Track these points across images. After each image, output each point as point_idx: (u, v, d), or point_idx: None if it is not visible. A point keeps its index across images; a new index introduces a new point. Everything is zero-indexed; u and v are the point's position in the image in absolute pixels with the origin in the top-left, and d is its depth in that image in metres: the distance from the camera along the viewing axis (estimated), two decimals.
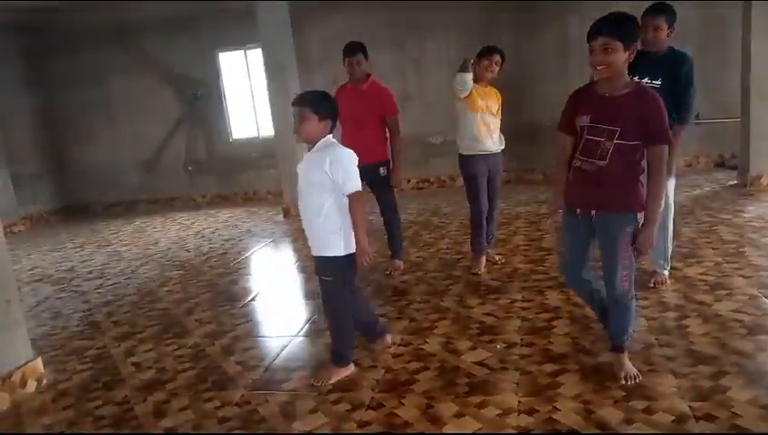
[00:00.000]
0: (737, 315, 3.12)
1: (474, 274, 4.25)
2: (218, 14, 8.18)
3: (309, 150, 2.81)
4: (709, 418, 2.25)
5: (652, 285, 3.63)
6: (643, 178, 2.43)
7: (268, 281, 4.79)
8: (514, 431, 2.31)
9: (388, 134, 4.32)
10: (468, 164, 4.20)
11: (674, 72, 3.32)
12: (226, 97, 8.82)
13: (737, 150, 6.66)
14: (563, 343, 3.00)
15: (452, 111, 4.24)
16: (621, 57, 2.31)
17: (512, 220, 5.73)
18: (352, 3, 7.86)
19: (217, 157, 9.01)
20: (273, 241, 5.99)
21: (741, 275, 3.68)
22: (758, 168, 6.19)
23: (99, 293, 4.91)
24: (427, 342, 3.22)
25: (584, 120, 2.47)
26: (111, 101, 9.12)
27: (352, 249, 2.80)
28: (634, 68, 3.42)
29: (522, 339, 3.08)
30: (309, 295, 4.24)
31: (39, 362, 3.23)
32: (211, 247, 6.12)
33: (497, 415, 2.43)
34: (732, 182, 6.48)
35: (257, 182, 8.85)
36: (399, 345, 3.21)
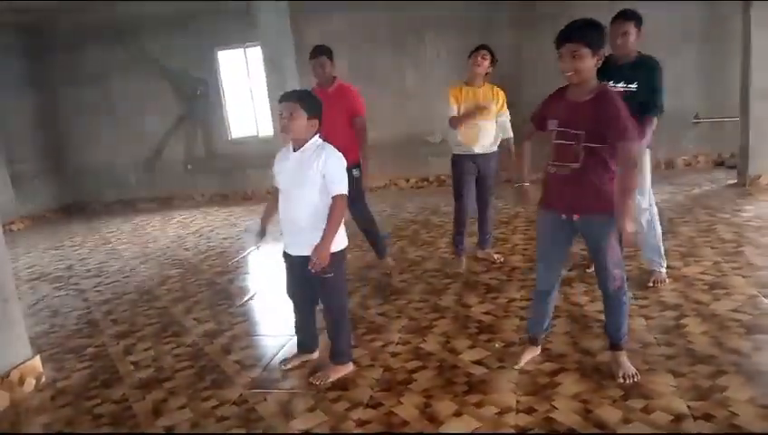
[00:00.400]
0: (736, 315, 3.12)
1: (455, 272, 4.26)
2: (218, 12, 8.17)
3: (294, 150, 2.79)
4: (707, 417, 2.26)
5: (651, 284, 3.64)
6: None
7: (266, 280, 4.78)
8: (513, 430, 2.32)
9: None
10: (455, 162, 4.28)
11: (647, 77, 3.46)
12: (226, 95, 8.81)
13: (736, 150, 6.65)
14: (562, 343, 3.01)
15: None
16: (589, 63, 2.37)
17: (511, 219, 5.73)
18: (352, 2, 7.84)
19: (216, 155, 9.00)
20: (271, 240, 5.97)
21: (739, 275, 3.68)
22: (757, 167, 6.18)
23: (97, 291, 4.91)
24: (425, 340, 3.22)
25: (553, 125, 2.53)
26: (111, 100, 9.10)
27: (345, 244, 2.85)
28: (607, 74, 3.57)
29: (520, 338, 3.07)
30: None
31: (37, 360, 3.23)
32: (210, 246, 6.12)
33: (496, 414, 2.43)
34: (731, 181, 6.48)
35: (256, 181, 8.83)
36: (398, 344, 3.21)
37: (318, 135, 2.81)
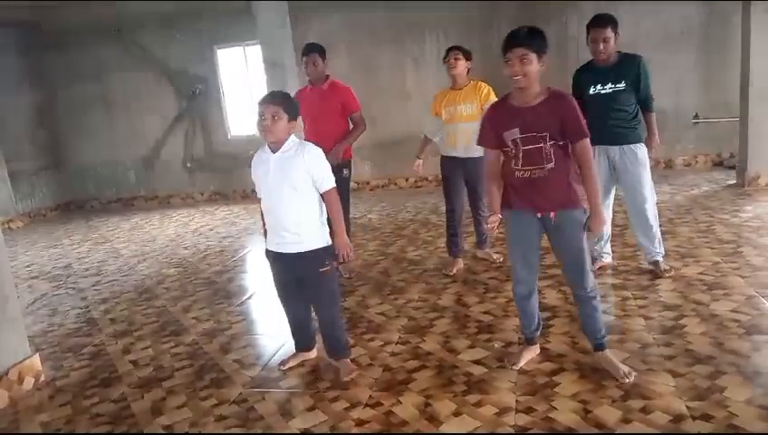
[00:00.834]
0: (735, 315, 3.12)
1: (445, 274, 4.25)
2: (217, 10, 8.16)
3: (273, 151, 2.78)
4: (706, 417, 2.26)
5: (664, 274, 3.73)
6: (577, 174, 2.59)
7: (266, 279, 4.78)
8: (512, 430, 2.32)
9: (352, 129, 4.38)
10: (441, 164, 4.31)
11: (634, 74, 3.60)
12: (225, 94, 8.80)
13: (736, 150, 6.66)
14: (561, 342, 3.01)
15: None
16: (536, 67, 2.44)
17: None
18: (352, 1, 7.84)
19: (216, 154, 8.99)
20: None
21: (738, 275, 3.68)
22: (756, 168, 6.18)
23: (96, 290, 4.91)
24: (424, 340, 3.22)
25: (515, 133, 2.54)
26: (110, 98, 9.09)
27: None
28: (592, 78, 3.68)
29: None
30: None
31: (36, 358, 3.23)
32: (209, 245, 6.12)
33: (495, 414, 2.43)
34: (730, 182, 6.48)
35: None
36: (397, 344, 3.21)
37: (294, 135, 2.82)
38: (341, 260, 2.89)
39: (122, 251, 6.28)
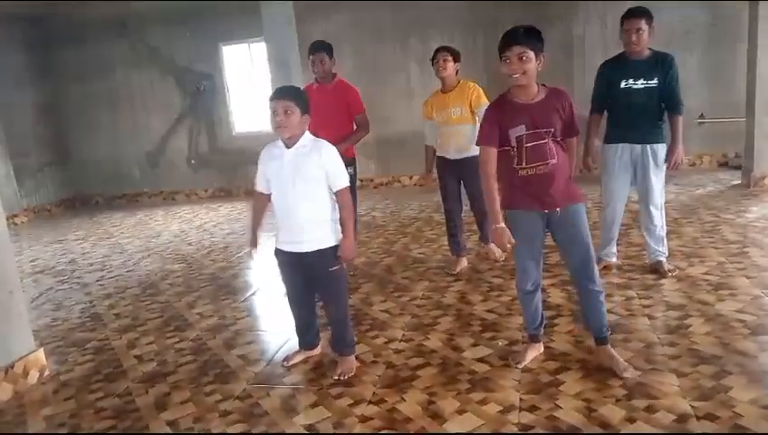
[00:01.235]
0: (740, 315, 3.11)
1: (449, 273, 4.24)
2: (222, 7, 8.16)
3: (288, 147, 2.75)
4: (711, 417, 2.25)
5: (669, 274, 3.72)
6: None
7: (270, 275, 4.79)
8: (516, 429, 2.31)
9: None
10: (437, 164, 4.30)
11: (665, 72, 3.55)
12: (230, 91, 8.81)
13: (741, 150, 6.63)
14: (565, 341, 3.00)
15: None
16: (534, 65, 2.46)
17: None
18: (357, 0, 7.83)
19: (220, 150, 9.01)
20: (274, 235, 5.97)
21: (744, 276, 3.67)
22: (762, 168, 6.16)
23: (100, 285, 4.92)
24: (428, 338, 3.22)
25: (520, 130, 2.54)
26: (115, 94, 9.11)
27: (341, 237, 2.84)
28: (623, 72, 3.60)
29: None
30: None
31: (41, 353, 3.24)
32: (213, 241, 6.13)
33: (499, 412, 2.43)
34: (735, 182, 6.46)
35: None
36: (401, 341, 3.22)
37: (308, 132, 2.81)
38: (344, 260, 2.87)
39: (127, 247, 6.29)
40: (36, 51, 8.91)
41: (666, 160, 3.65)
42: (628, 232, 4.67)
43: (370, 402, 2.61)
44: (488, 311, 3.51)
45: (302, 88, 2.93)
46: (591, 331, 2.78)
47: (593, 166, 3.80)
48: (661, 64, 3.54)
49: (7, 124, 8.21)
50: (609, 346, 2.73)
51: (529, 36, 2.46)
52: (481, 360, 2.90)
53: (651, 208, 3.72)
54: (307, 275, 2.88)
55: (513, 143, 2.55)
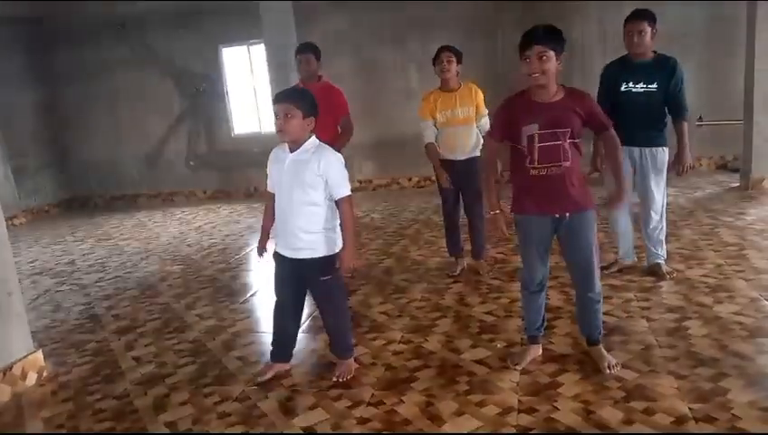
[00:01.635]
0: (738, 318, 3.12)
1: (449, 275, 4.24)
2: (221, 9, 8.17)
3: (291, 150, 2.72)
4: (709, 419, 2.26)
5: (668, 277, 3.73)
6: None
7: (268, 277, 4.79)
8: (514, 430, 2.32)
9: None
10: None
11: (667, 76, 3.53)
12: (229, 92, 8.81)
13: (740, 153, 6.64)
14: (564, 343, 3.01)
15: None
16: (554, 65, 2.46)
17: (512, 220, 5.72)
18: (356, 0, 7.84)
19: (219, 152, 9.00)
20: (273, 237, 5.98)
21: (742, 278, 3.68)
22: (760, 170, 6.17)
23: (99, 286, 4.92)
24: (427, 340, 3.22)
25: (533, 129, 2.53)
26: (113, 95, 9.10)
27: (340, 246, 2.79)
28: (625, 75, 3.60)
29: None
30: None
31: (39, 354, 3.24)
32: (212, 243, 6.13)
33: (497, 414, 2.44)
34: (734, 185, 6.47)
35: (259, 178, 8.77)
36: (400, 343, 3.22)
37: (314, 135, 2.76)
38: (343, 271, 2.82)
39: (125, 248, 6.29)
40: (35, 52, 8.91)
41: (674, 167, 3.65)
42: None
43: (369, 404, 2.61)
44: (487, 313, 3.52)
45: (307, 90, 2.84)
46: (584, 334, 2.82)
47: (602, 167, 3.76)
48: (663, 68, 3.53)
49: (6, 125, 8.21)
50: (600, 346, 2.78)
51: (550, 36, 2.45)
52: (479, 362, 2.90)
53: (651, 212, 3.71)
54: (297, 283, 2.84)
55: (524, 142, 2.54)
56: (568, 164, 2.52)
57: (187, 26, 8.50)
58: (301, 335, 3.40)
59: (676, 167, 3.65)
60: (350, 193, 2.75)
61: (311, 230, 2.72)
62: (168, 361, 3.29)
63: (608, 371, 2.64)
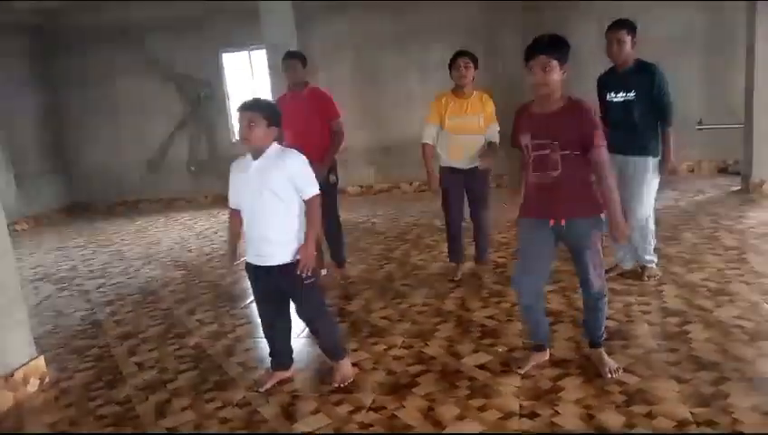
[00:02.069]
0: (739, 322, 3.12)
1: (451, 280, 4.23)
2: (222, 14, 8.20)
3: (254, 158, 2.71)
4: (710, 423, 2.26)
5: (646, 279, 3.74)
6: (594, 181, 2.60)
7: None
8: None
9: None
10: (441, 175, 4.12)
11: (645, 84, 3.52)
12: (230, 98, 8.84)
13: (740, 156, 6.65)
14: (565, 348, 3.01)
15: None
16: (558, 75, 2.48)
17: (514, 224, 5.73)
18: (356, 4, 7.87)
19: (220, 157, 9.00)
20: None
21: (743, 282, 3.68)
22: (761, 174, 6.18)
23: (101, 292, 4.92)
24: (428, 344, 3.22)
25: (527, 139, 2.59)
26: (115, 101, 9.13)
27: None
28: (606, 84, 3.65)
29: (523, 343, 3.08)
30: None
31: (41, 360, 3.24)
32: (213, 248, 6.13)
33: (498, 418, 2.44)
34: (734, 188, 6.47)
35: None
36: (401, 348, 3.22)
37: (276, 141, 2.75)
38: (303, 272, 2.71)
39: (127, 253, 6.30)
40: (37, 59, 8.94)
41: (660, 169, 3.65)
42: None
43: (370, 409, 2.61)
44: (488, 317, 3.52)
45: (271, 99, 2.83)
46: (588, 335, 2.82)
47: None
48: (642, 76, 3.52)
49: (9, 132, 8.24)
50: (601, 350, 2.78)
51: (554, 45, 2.46)
52: (481, 366, 2.90)
53: (634, 218, 3.66)
54: (277, 291, 2.81)
55: (524, 150, 2.62)
56: (557, 173, 2.52)
57: (188, 32, 8.54)
58: (301, 341, 3.43)
59: (661, 169, 3.65)
60: (318, 192, 2.76)
61: (283, 235, 2.71)
62: (170, 366, 3.29)
63: (609, 375, 2.64)
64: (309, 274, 2.73)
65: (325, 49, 8.05)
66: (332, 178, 4.31)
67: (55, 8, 7.51)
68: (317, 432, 2.49)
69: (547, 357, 2.89)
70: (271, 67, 7.04)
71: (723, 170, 7.47)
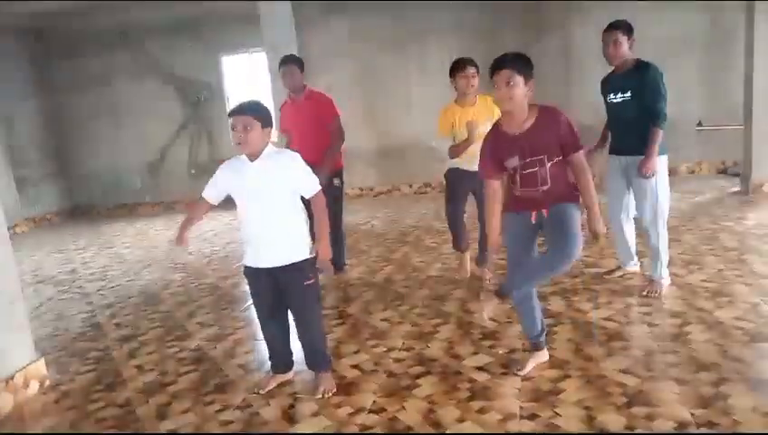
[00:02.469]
0: (739, 323, 3.12)
1: (461, 279, 4.22)
2: (222, 17, 8.22)
3: (251, 161, 2.70)
4: (711, 425, 2.25)
5: (645, 294, 3.62)
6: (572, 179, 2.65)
7: None
8: None
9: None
10: (447, 177, 4.16)
11: (639, 83, 3.50)
12: (230, 100, 8.85)
13: (740, 157, 6.66)
14: (565, 349, 3.01)
15: None
16: (522, 90, 2.48)
17: None
18: (356, 6, 7.89)
19: (220, 160, 9.02)
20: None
21: (742, 283, 3.68)
22: (761, 175, 6.19)
23: (101, 295, 4.93)
24: (428, 346, 3.22)
25: (514, 161, 2.60)
26: (116, 105, 9.15)
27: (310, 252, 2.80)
28: (609, 86, 3.66)
29: (523, 344, 3.08)
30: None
31: (42, 363, 3.24)
32: (213, 250, 6.14)
33: (499, 420, 2.44)
34: (734, 189, 6.48)
35: None
36: (401, 350, 3.22)
37: (270, 144, 2.74)
38: (322, 268, 2.78)
39: (127, 256, 6.30)
40: (38, 62, 8.96)
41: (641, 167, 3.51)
42: None
43: (371, 411, 2.61)
44: (489, 319, 3.50)
45: (261, 102, 2.78)
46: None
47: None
48: (637, 76, 3.50)
49: (9, 135, 8.26)
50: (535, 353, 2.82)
51: (516, 62, 2.49)
52: (481, 368, 2.90)
53: (644, 222, 3.65)
54: (277, 293, 2.81)
55: (511, 171, 2.64)
56: (546, 187, 2.58)
57: (188, 35, 8.56)
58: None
59: (640, 167, 3.49)
60: (320, 187, 2.77)
61: (283, 236, 2.72)
62: (170, 369, 3.29)
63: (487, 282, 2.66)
64: (313, 275, 2.75)
65: (325, 52, 8.06)
66: (337, 181, 4.30)
67: (56, 11, 7.50)
68: (318, 434, 2.49)
69: (547, 358, 2.89)
70: (271, 70, 7.05)
71: (722, 172, 7.48)
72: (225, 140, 8.94)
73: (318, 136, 4.20)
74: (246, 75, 8.72)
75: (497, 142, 2.65)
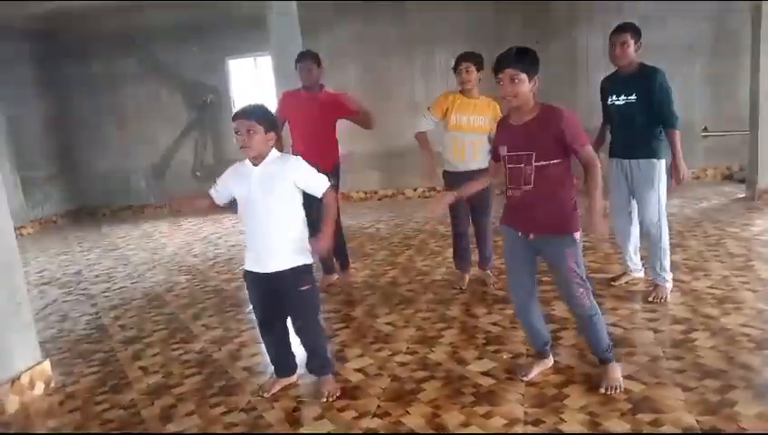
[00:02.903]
0: (745, 329, 3.11)
1: (455, 289, 4.19)
2: (229, 21, 8.25)
3: (255, 165, 2.71)
4: (716, 432, 2.25)
5: (651, 299, 3.61)
6: (574, 194, 2.55)
7: None
8: None
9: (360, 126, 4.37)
10: (446, 180, 4.09)
11: (646, 87, 3.50)
12: (236, 104, 8.88)
13: (746, 163, 6.64)
14: (570, 355, 3.00)
15: None
16: (527, 87, 2.47)
17: None
18: (361, 9, 7.91)
19: (226, 163, 8.90)
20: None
21: (749, 289, 3.66)
22: (767, 181, 6.16)
23: (106, 296, 4.94)
24: (433, 351, 3.22)
25: (504, 151, 2.62)
26: (122, 107, 9.20)
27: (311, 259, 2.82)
28: (611, 88, 3.66)
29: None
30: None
31: (47, 364, 3.26)
32: (218, 253, 6.15)
33: (503, 426, 2.43)
34: (740, 195, 6.46)
35: None
36: (406, 354, 3.22)
37: (274, 147, 2.74)
38: (316, 250, 2.80)
39: (132, 258, 6.32)
40: (45, 65, 9.01)
41: (670, 177, 3.61)
42: None
43: (375, 415, 2.61)
44: (493, 324, 3.51)
45: (265, 105, 2.81)
46: (592, 351, 2.76)
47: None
48: (644, 79, 3.50)
49: (15, 137, 8.30)
50: (607, 366, 2.66)
51: (521, 58, 2.47)
52: (486, 373, 2.90)
53: (646, 227, 3.65)
54: (277, 298, 2.80)
55: (503, 162, 2.65)
56: (529, 188, 2.51)
57: (195, 39, 8.59)
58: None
59: (675, 176, 3.60)
60: (329, 184, 2.79)
61: (286, 241, 2.72)
62: (175, 371, 3.30)
63: (602, 391, 2.58)
64: (312, 280, 2.76)
65: (330, 55, 8.06)
66: (332, 181, 4.28)
67: (64, 14, 7.55)
68: None
69: (551, 364, 2.89)
70: (277, 73, 7.07)
71: (728, 177, 7.45)
72: (231, 143, 8.96)
73: (330, 130, 4.20)
74: (252, 79, 8.75)
75: (500, 128, 2.71)
